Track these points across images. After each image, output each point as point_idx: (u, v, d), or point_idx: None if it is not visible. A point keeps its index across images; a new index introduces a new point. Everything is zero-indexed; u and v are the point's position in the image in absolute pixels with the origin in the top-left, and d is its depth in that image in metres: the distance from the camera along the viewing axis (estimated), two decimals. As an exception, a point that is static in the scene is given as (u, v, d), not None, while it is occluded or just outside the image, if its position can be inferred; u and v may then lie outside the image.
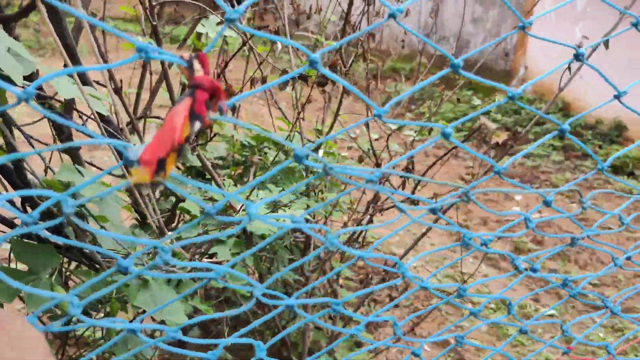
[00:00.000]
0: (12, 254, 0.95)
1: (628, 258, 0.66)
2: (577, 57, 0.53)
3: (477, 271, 2.90)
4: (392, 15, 0.43)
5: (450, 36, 6.37)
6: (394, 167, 1.88)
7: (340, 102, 1.50)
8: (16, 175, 0.87)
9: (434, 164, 1.54)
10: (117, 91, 0.93)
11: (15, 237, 1.08)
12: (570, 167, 4.86)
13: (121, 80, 0.96)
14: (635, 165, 4.64)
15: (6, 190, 0.91)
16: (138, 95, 1.45)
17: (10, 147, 0.81)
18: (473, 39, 6.25)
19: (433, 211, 0.49)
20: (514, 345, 2.75)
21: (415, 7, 6.06)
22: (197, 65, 0.38)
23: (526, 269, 0.64)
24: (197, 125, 0.37)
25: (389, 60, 6.20)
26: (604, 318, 0.79)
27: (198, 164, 1.57)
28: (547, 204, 0.56)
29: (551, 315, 3.03)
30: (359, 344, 2.52)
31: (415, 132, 1.77)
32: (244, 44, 1.23)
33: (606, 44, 1.52)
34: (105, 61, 0.91)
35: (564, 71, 1.61)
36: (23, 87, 0.87)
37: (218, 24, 1.49)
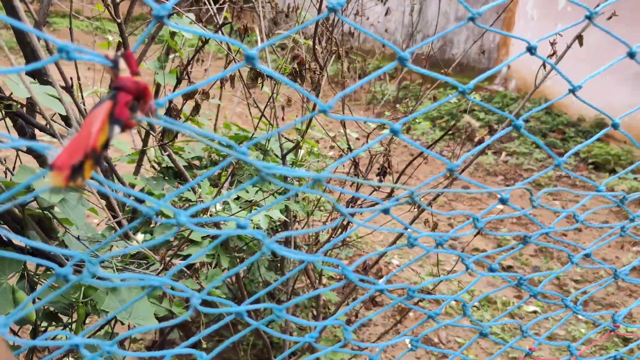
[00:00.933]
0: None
1: (587, 255, 0.65)
2: (529, 50, 0.52)
3: (454, 269, 2.89)
4: (331, 10, 0.42)
5: (434, 35, 6.39)
6: (367, 165, 1.84)
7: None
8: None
9: (410, 164, 1.54)
10: (68, 90, 0.91)
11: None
12: (553, 164, 4.90)
13: (72, 78, 0.93)
14: (616, 162, 4.68)
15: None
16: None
17: (-34, 149, 0.79)
18: (456, 37, 6.27)
19: (385, 211, 0.48)
20: (497, 343, 2.75)
21: (399, 7, 6.06)
22: (122, 64, 0.36)
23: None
24: (117, 130, 0.35)
25: (374, 60, 6.20)
26: (568, 314, 0.79)
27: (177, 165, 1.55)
28: (502, 201, 0.55)
29: (534, 312, 3.05)
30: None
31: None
32: (203, 44, 1.21)
33: (580, 41, 1.53)
34: (59, 67, 0.89)
35: (539, 69, 1.61)
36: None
37: (191, 22, 1.47)
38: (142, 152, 1.50)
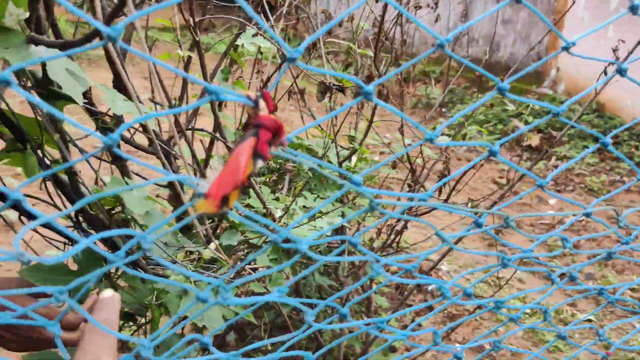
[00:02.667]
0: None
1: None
2: (620, 72, 0.54)
3: (512, 276, 2.86)
4: (440, 46, 0.45)
5: (479, 38, 6.31)
6: (428, 173, 1.87)
7: (374, 108, 1.52)
8: (71, 187, 0.92)
9: (466, 171, 1.54)
10: (170, 107, 0.97)
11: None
12: (606, 168, 4.75)
13: (175, 98, 0.99)
14: (674, 166, 4.51)
15: (62, 203, 0.95)
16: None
17: (66, 161, 0.86)
18: (503, 40, 6.18)
19: (478, 225, 0.50)
20: (551, 351, 2.71)
21: (444, 11, 6.02)
22: (262, 104, 0.40)
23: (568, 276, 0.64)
24: (260, 163, 0.39)
25: (419, 64, 6.18)
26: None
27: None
28: (587, 215, 0.57)
29: (589, 320, 2.98)
30: (392, 349, 2.52)
31: (450, 137, 1.78)
32: (282, 62, 1.26)
33: (644, 46, 1.50)
34: (161, 82, 0.95)
35: (600, 74, 1.59)
36: (85, 105, 0.91)
37: (254, 35, 1.53)
38: (206, 161, 1.56)
